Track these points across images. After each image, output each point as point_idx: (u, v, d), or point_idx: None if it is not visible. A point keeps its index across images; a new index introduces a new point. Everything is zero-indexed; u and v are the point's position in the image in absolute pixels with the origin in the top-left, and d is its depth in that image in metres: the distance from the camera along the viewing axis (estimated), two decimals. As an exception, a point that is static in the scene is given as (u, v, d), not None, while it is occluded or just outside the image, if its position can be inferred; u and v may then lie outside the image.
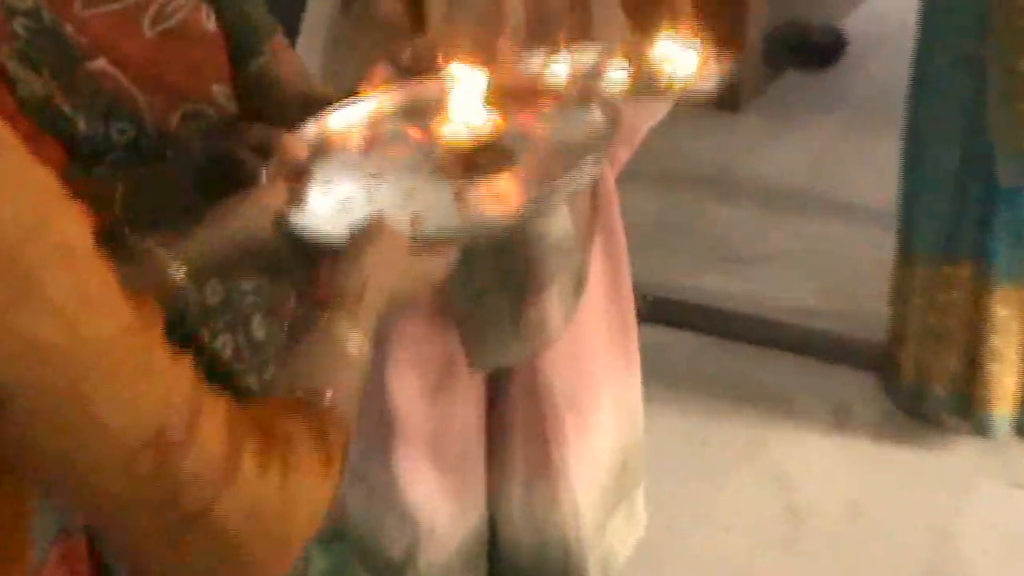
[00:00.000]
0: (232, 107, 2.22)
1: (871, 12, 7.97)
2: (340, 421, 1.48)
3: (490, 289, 2.89)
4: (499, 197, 1.81)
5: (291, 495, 1.38)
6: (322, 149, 1.94)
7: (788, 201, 5.82)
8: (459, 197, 1.78)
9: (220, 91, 2.17)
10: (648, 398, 3.56)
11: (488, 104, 1.93)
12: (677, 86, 2.44)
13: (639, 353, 3.45)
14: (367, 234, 1.63)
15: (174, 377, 1.32)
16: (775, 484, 3.99)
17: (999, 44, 3.83)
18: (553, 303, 2.74)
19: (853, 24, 7.71)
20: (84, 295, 1.27)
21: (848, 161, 6.08)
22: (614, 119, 1.92)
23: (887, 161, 4.35)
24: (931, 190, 4.09)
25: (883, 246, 4.34)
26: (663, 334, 4.64)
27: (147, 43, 2.05)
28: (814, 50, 7.34)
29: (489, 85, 1.94)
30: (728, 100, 6.57)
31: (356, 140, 1.99)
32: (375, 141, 1.98)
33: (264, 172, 1.80)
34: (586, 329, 3.03)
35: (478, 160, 1.86)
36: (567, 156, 1.83)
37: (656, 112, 3.11)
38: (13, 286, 1.22)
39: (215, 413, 1.33)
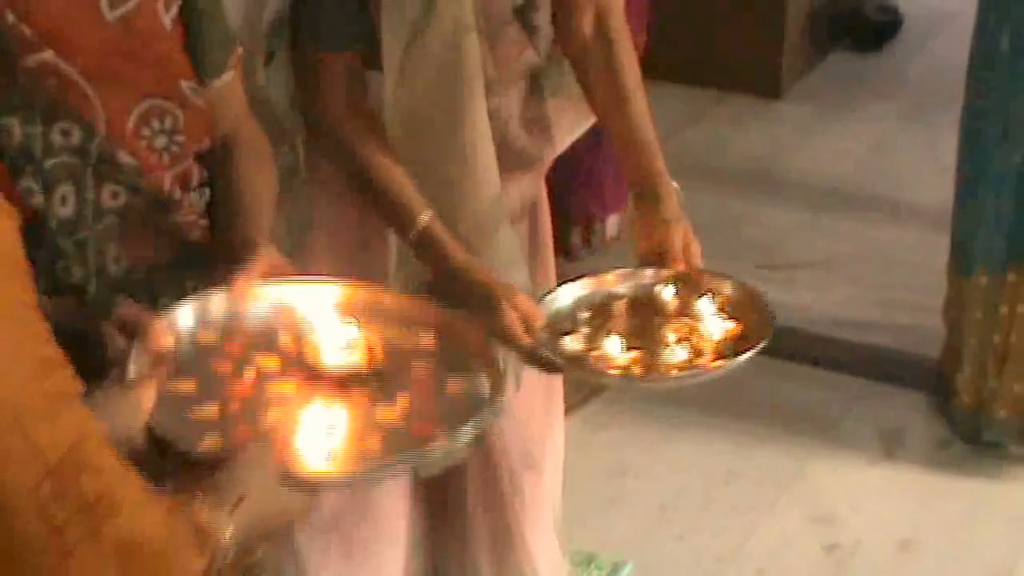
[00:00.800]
0: (201, 103, 2.21)
1: None
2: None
3: None
4: (374, 437, 1.86)
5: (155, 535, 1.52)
6: (190, 341, 1.98)
7: (834, 200, 5.69)
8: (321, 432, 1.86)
9: (188, 86, 2.15)
10: (675, 424, 3.72)
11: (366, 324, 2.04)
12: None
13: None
14: (242, 462, 1.70)
15: (74, 413, 1.50)
16: (816, 520, 3.92)
17: None
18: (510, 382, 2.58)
19: (910, 2, 7.47)
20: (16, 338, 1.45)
21: (902, 155, 5.95)
22: (500, 389, 1.98)
23: (946, 155, 4.29)
24: (992, 190, 4.01)
25: (940, 252, 4.24)
26: None
27: (105, 29, 2.03)
28: (867, 28, 7.16)
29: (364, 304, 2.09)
30: (769, 85, 6.49)
31: (219, 341, 2.02)
32: (241, 344, 2.02)
33: (130, 360, 1.83)
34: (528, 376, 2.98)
35: (350, 387, 1.93)
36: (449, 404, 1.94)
37: (582, 120, 3.12)
38: None
39: (104, 445, 1.50)
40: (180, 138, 2.17)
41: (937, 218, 4.49)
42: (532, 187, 3.10)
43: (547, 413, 3.26)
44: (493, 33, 2.74)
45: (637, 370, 2.42)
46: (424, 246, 2.64)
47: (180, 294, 2.18)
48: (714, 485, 4.00)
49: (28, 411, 1.45)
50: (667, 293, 2.55)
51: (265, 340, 2.04)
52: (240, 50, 2.44)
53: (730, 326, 2.49)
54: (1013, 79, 3.92)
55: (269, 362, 1.98)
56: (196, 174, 2.24)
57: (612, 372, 2.44)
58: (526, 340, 2.47)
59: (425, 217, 2.63)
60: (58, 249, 2.00)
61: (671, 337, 2.44)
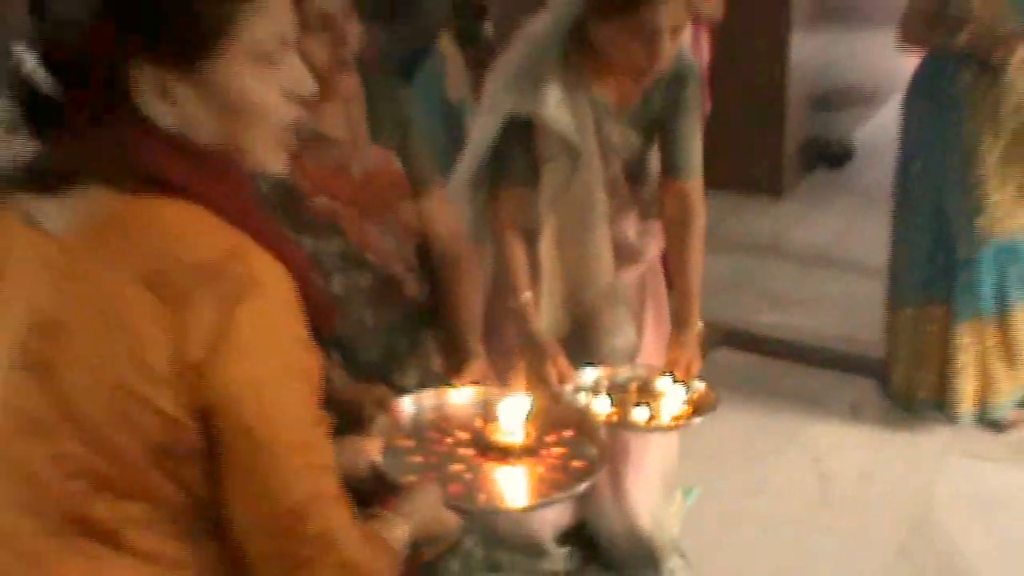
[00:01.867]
0: (415, 224, 2.23)
1: (873, 127, 7.73)
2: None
3: None
4: (514, 488, 1.82)
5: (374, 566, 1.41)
6: (414, 418, 1.96)
7: (820, 261, 5.76)
8: (484, 482, 1.80)
9: (406, 211, 2.19)
10: (721, 400, 3.59)
11: (527, 421, 1.93)
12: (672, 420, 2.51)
13: (718, 368, 3.49)
14: (421, 486, 1.67)
15: (326, 458, 1.38)
16: (811, 459, 3.97)
17: (953, 156, 3.84)
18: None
19: (860, 136, 7.57)
20: (298, 392, 1.33)
21: (863, 232, 5.91)
22: (603, 453, 1.92)
23: (885, 235, 4.29)
24: (914, 256, 4.07)
25: (883, 293, 4.30)
26: (730, 356, 4.66)
27: (354, 182, 2.08)
28: (834, 154, 7.26)
29: (532, 409, 1.96)
30: (773, 189, 6.59)
31: (436, 417, 1.99)
32: (448, 421, 1.98)
33: (374, 425, 1.84)
34: None
35: (508, 457, 1.87)
36: (568, 474, 1.85)
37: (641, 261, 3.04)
38: (255, 369, 1.28)
39: (342, 498, 1.38)
40: (402, 240, 2.21)
41: (880, 272, 4.37)
42: (640, 273, 3.03)
43: None
44: (613, 187, 2.76)
45: (614, 419, 2.44)
46: (520, 313, 2.63)
47: (412, 343, 2.25)
48: (744, 439, 4.03)
49: (299, 449, 1.32)
50: (660, 383, 2.57)
51: (464, 421, 2.00)
52: (442, 181, 2.41)
53: (685, 407, 2.51)
54: (921, 191, 3.98)
55: (462, 434, 1.96)
56: (415, 260, 2.25)
57: (600, 419, 2.38)
58: (556, 387, 2.48)
59: (527, 295, 2.64)
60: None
61: (638, 408, 2.46)
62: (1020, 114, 3.71)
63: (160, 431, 1.27)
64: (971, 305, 3.93)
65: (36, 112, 1.34)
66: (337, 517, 1.35)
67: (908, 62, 4.12)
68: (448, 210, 2.35)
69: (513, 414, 1.91)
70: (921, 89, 3.94)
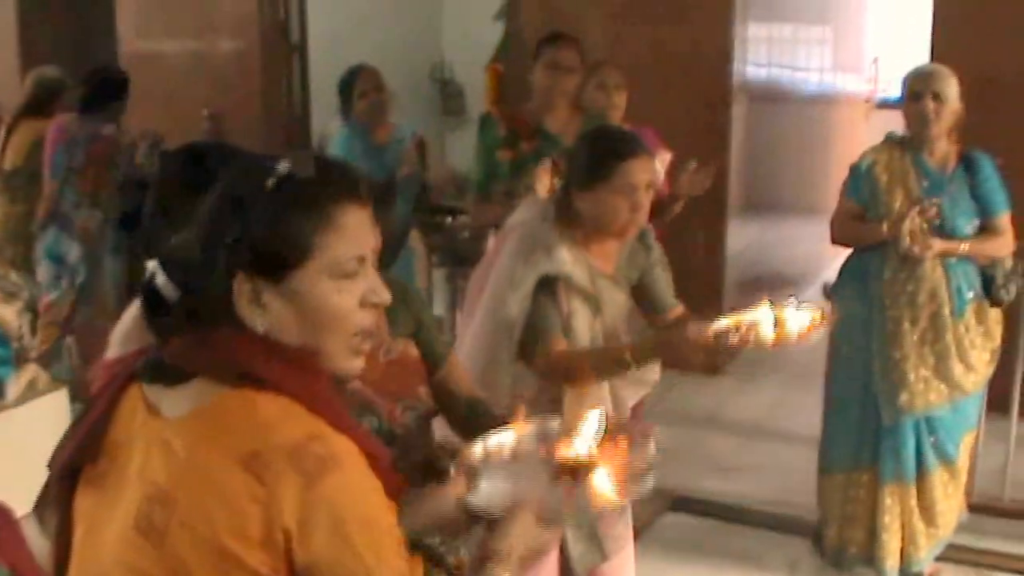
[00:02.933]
0: (430, 401, 2.40)
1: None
2: None
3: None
4: (594, 497, 1.84)
5: None
6: (485, 458, 1.97)
7: (754, 431, 5.98)
8: (566, 497, 1.83)
9: (423, 391, 2.37)
10: (667, 560, 4.02)
11: (597, 442, 1.95)
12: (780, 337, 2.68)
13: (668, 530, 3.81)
14: (513, 514, 1.70)
15: None
16: None
17: (878, 339, 4.12)
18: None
19: None
20: (378, 542, 1.50)
21: (789, 407, 6.15)
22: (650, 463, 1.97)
23: (813, 403, 4.52)
24: (843, 427, 4.28)
25: (815, 457, 4.46)
26: (677, 520, 4.84)
27: (380, 368, 2.23)
28: None
29: (601, 430, 1.97)
30: (711, 367, 6.57)
31: (506, 454, 2.00)
32: (517, 455, 1.99)
33: (452, 470, 1.87)
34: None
35: (580, 473, 1.88)
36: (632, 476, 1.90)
37: (647, 385, 3.23)
38: (337, 537, 1.45)
39: None
40: (421, 413, 2.35)
41: (812, 442, 4.54)
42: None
43: (627, 548, 3.28)
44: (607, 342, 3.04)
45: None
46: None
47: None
48: None
49: (389, 569, 1.50)
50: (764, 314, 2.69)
51: (530, 453, 1.99)
52: (455, 352, 2.61)
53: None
54: (850, 369, 4.19)
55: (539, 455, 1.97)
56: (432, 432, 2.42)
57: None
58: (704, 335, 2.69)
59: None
60: None
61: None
62: (934, 301, 4.03)
63: None
64: (894, 470, 4.14)
65: (160, 315, 1.56)
66: None
67: (825, 249, 4.45)
68: (465, 372, 2.59)
69: (590, 431, 1.95)
70: (848, 281, 4.24)
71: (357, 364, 1.61)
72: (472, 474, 1.86)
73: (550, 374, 2.97)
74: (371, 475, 1.52)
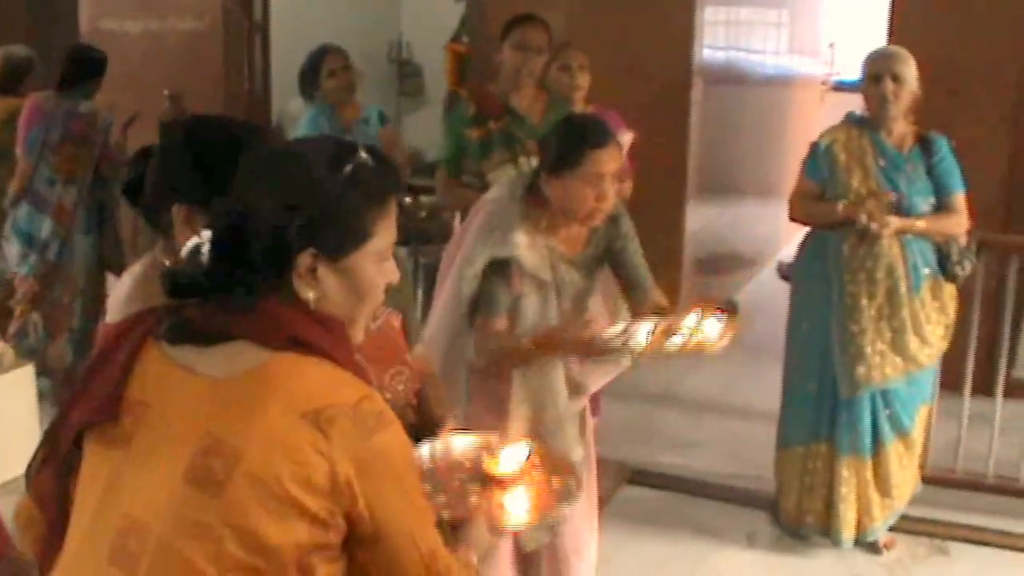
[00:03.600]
0: (415, 370, 2.43)
1: (754, 287, 7.98)
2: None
3: None
4: (502, 514, 2.03)
5: None
6: (428, 462, 2.14)
7: (710, 406, 6.05)
8: (497, 508, 2.01)
9: (408, 359, 2.40)
10: (628, 532, 4.03)
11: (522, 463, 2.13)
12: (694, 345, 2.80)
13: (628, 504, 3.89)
14: (471, 524, 1.93)
15: (432, 521, 1.72)
16: None
17: (836, 315, 4.21)
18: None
19: (743, 296, 7.66)
20: (417, 487, 1.70)
21: (745, 382, 6.18)
22: (578, 484, 2.13)
23: (769, 380, 4.64)
24: (801, 401, 4.37)
25: (770, 432, 4.56)
26: (637, 493, 4.91)
27: (370, 336, 2.08)
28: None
29: (527, 458, 2.13)
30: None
31: (434, 462, 2.16)
32: (448, 464, 2.16)
33: None
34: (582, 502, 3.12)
35: (504, 485, 2.07)
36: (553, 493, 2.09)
37: (611, 371, 3.34)
38: (394, 483, 1.62)
39: (440, 543, 1.72)
40: (408, 378, 2.39)
41: (769, 416, 4.61)
42: (583, 403, 3.35)
43: (589, 519, 3.42)
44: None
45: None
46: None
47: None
48: (654, 565, 4.25)
49: (417, 525, 1.66)
50: (687, 321, 2.84)
51: (472, 459, 2.17)
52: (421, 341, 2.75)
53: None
54: (808, 343, 4.29)
55: (464, 473, 2.15)
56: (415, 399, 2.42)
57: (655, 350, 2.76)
58: (613, 342, 2.80)
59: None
60: None
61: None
62: (891, 277, 4.12)
63: (308, 532, 1.57)
64: (851, 442, 4.25)
65: (204, 282, 1.64)
66: (447, 558, 1.72)
67: (781, 230, 4.52)
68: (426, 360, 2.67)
69: (515, 457, 2.13)
70: (808, 258, 4.34)
71: (361, 333, 1.76)
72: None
73: (482, 352, 3.06)
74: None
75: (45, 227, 5.55)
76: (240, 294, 1.64)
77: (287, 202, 1.63)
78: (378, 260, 1.70)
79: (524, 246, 3.02)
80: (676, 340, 2.83)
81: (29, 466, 1.82)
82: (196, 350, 1.65)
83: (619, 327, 2.92)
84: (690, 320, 2.87)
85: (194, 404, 1.61)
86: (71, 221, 5.59)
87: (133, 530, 1.59)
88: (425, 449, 2.17)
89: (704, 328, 2.83)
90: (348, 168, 1.66)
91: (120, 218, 5.83)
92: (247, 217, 1.64)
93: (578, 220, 3.09)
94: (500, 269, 3.02)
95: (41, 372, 5.32)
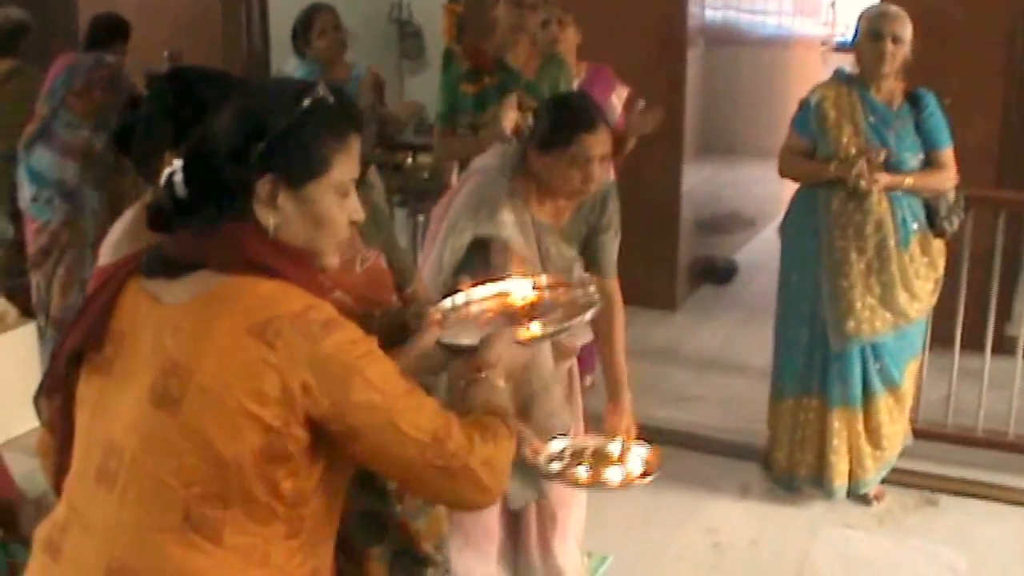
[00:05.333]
0: (399, 311, 2.33)
1: (754, 247, 8.17)
2: (509, 417, 1.84)
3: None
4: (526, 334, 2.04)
5: (502, 450, 1.76)
6: (452, 309, 2.16)
7: (708, 364, 6.09)
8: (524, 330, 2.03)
9: (393, 300, 2.38)
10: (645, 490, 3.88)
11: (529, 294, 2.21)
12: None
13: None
14: (498, 334, 1.95)
15: (430, 408, 1.72)
16: (706, 531, 4.27)
17: (826, 269, 4.23)
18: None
19: (743, 256, 7.94)
20: (387, 377, 1.69)
21: (742, 341, 6.31)
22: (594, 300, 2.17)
23: (766, 339, 4.60)
24: (793, 354, 4.39)
25: (766, 388, 4.59)
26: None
27: (357, 277, 2.26)
28: (719, 272, 7.58)
29: (533, 291, 2.22)
30: (668, 303, 6.89)
31: (466, 311, 2.17)
32: (476, 308, 2.19)
33: (423, 324, 2.02)
34: None
35: (527, 315, 2.14)
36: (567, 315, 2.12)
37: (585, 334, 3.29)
38: (352, 380, 1.64)
39: (453, 421, 1.73)
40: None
41: (762, 371, 4.73)
42: (570, 364, 3.38)
43: None
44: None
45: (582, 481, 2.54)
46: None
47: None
48: (651, 514, 4.30)
49: (399, 414, 1.67)
50: (613, 447, 2.60)
51: (494, 301, 2.22)
52: (419, 269, 2.92)
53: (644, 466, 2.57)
54: (798, 296, 4.33)
55: (494, 306, 2.20)
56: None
57: (559, 480, 2.57)
58: (531, 460, 2.63)
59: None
60: None
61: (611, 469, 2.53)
62: (880, 232, 4.15)
63: (263, 440, 1.62)
64: (842, 395, 4.29)
65: (171, 211, 1.73)
66: (457, 430, 1.72)
67: (782, 191, 4.55)
68: (427, 289, 2.76)
69: (526, 287, 2.24)
70: (798, 213, 4.37)
71: (335, 260, 1.84)
72: (442, 322, 2.05)
73: None
74: (358, 329, 1.72)
75: (70, 171, 5.44)
76: (206, 218, 1.72)
77: (248, 129, 1.72)
78: (338, 194, 1.77)
79: (510, 224, 3.01)
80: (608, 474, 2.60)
81: (36, 395, 1.92)
82: (166, 281, 1.73)
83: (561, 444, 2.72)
84: (613, 447, 2.64)
85: (158, 330, 1.70)
86: (102, 166, 5.49)
87: (113, 450, 1.70)
88: (447, 301, 2.20)
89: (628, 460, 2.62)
90: (307, 101, 1.74)
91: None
92: (211, 144, 1.73)
93: (562, 196, 3.12)
94: (484, 244, 3.02)
95: (42, 330, 5.33)
